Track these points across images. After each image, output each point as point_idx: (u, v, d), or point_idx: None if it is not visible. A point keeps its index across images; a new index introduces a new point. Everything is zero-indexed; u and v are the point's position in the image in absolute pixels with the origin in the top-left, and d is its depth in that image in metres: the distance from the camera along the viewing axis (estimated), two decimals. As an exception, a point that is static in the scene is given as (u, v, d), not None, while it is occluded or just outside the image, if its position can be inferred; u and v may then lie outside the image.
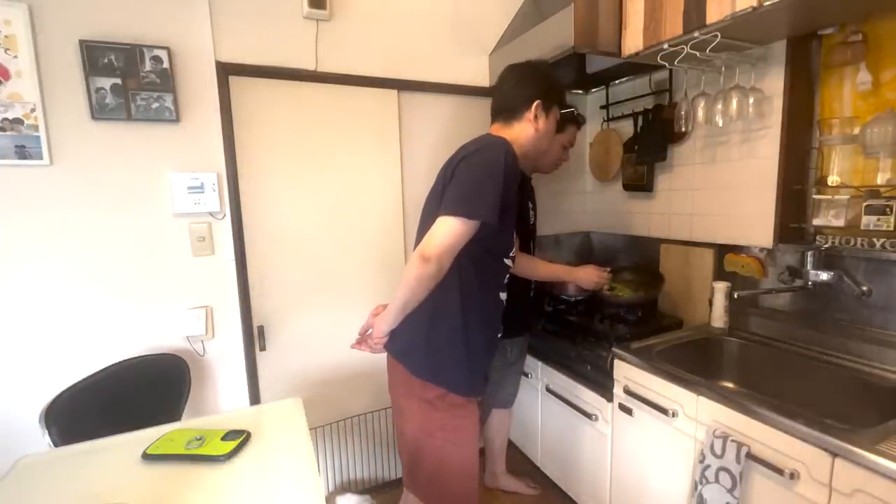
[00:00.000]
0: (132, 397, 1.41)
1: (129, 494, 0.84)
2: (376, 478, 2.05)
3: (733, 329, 1.65)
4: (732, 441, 1.14)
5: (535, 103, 1.21)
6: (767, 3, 1.14)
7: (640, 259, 2.11)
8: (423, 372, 1.18)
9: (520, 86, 1.24)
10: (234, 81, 1.64)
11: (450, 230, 1.05)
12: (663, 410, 1.35)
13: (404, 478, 1.36)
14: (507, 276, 1.26)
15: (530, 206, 1.72)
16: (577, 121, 1.67)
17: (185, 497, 0.84)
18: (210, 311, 1.66)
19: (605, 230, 2.35)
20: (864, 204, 1.31)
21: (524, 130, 1.24)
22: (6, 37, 1.32)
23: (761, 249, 1.59)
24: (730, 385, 1.57)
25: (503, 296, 1.26)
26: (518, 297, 1.66)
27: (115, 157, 1.48)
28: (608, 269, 1.68)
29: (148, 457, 0.95)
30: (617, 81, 2.14)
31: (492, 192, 1.05)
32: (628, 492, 1.54)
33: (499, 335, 1.29)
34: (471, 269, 1.14)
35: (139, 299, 1.56)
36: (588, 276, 1.65)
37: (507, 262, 1.23)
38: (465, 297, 1.15)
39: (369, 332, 1.27)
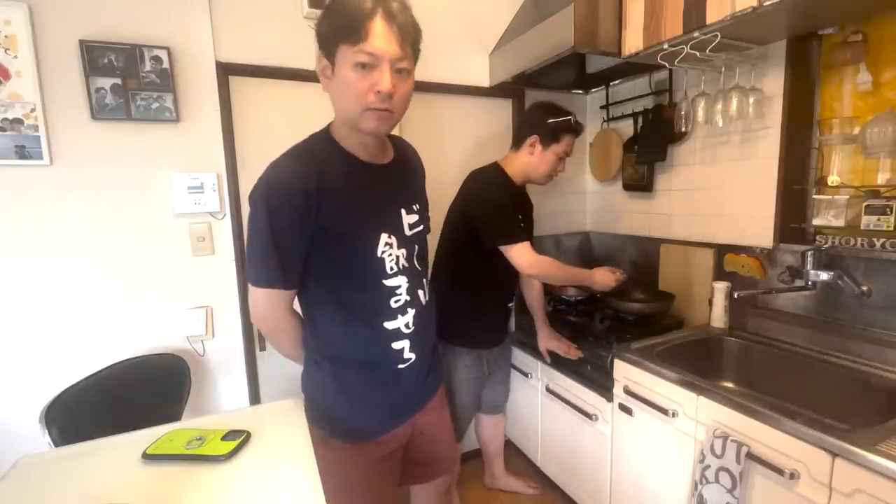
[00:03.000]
0: (132, 397, 1.41)
1: (129, 494, 0.84)
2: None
3: (733, 329, 1.65)
4: (732, 441, 1.13)
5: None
6: (767, 3, 1.14)
7: (640, 259, 2.11)
8: (307, 409, 1.05)
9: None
10: (234, 81, 1.64)
11: (253, 299, 0.96)
12: (663, 410, 1.35)
13: None
14: (399, 298, 1.01)
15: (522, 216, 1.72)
16: (574, 129, 1.60)
17: (185, 497, 0.84)
18: (210, 311, 1.66)
19: (605, 230, 2.35)
20: (864, 204, 1.31)
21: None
22: (6, 37, 1.32)
23: (761, 249, 1.59)
24: (730, 385, 1.57)
25: (393, 325, 1.00)
26: (495, 307, 1.75)
27: (115, 157, 1.48)
28: (621, 271, 1.63)
29: (148, 457, 0.95)
30: (617, 81, 2.14)
31: (264, 252, 0.89)
32: (628, 492, 1.54)
33: (402, 365, 1.04)
34: (321, 304, 0.98)
35: (139, 299, 1.56)
36: (604, 280, 1.58)
37: (390, 282, 0.99)
38: (321, 334, 1.01)
39: None
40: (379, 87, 0.84)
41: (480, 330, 1.70)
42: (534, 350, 1.98)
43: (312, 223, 0.89)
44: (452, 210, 1.68)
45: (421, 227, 1.08)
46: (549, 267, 1.54)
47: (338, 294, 0.97)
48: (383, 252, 0.97)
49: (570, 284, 1.84)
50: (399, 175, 1.05)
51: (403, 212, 1.02)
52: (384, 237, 0.97)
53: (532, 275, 1.57)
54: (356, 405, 1.04)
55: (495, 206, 1.53)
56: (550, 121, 1.56)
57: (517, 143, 1.63)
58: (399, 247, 1.00)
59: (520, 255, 1.51)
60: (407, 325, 1.03)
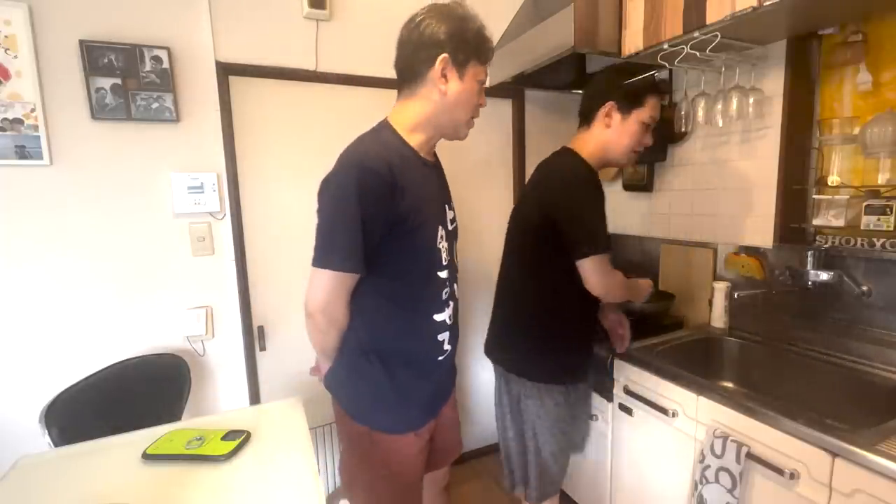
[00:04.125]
0: (132, 397, 1.41)
1: (129, 494, 0.84)
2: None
3: (733, 329, 1.64)
4: (732, 441, 1.13)
5: (441, 57, 0.94)
6: (767, 3, 1.14)
7: (640, 259, 2.11)
8: (349, 408, 1.07)
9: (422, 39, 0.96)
10: (234, 81, 1.64)
11: (320, 284, 0.95)
12: (663, 410, 1.35)
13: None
14: (448, 291, 1.07)
15: None
16: (658, 88, 1.32)
17: (185, 497, 0.84)
18: (210, 311, 1.66)
19: (605, 230, 2.34)
20: (864, 204, 1.31)
21: (429, 96, 0.98)
22: (6, 37, 1.32)
23: (761, 249, 1.59)
24: (730, 385, 1.56)
25: (440, 317, 1.06)
26: (588, 329, 1.40)
27: (115, 158, 1.48)
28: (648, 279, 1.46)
29: (148, 457, 0.95)
30: (617, 81, 2.13)
31: (346, 232, 0.90)
32: (628, 492, 1.54)
33: (441, 357, 1.09)
34: (376, 300, 1.00)
35: (139, 299, 1.56)
36: (646, 286, 1.44)
37: (442, 274, 1.04)
38: (375, 331, 1.02)
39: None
40: (482, 103, 1.02)
41: (573, 359, 1.38)
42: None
43: (395, 210, 0.92)
44: (522, 215, 1.39)
45: (456, 224, 1.14)
46: (617, 289, 1.28)
47: (397, 285, 1.00)
48: (439, 244, 1.03)
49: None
50: (440, 174, 1.13)
51: (447, 207, 1.09)
52: (440, 230, 1.03)
53: (599, 295, 1.24)
54: (403, 398, 1.05)
55: (580, 202, 1.23)
56: (627, 81, 1.28)
57: (587, 118, 1.32)
58: (446, 240, 1.05)
59: (596, 269, 1.20)
60: (449, 318, 1.08)
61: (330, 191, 0.94)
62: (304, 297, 0.97)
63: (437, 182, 1.08)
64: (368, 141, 0.98)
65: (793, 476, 1.02)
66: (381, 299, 1.00)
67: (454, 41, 0.93)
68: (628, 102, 1.26)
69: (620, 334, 1.47)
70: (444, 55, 0.93)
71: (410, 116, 1.00)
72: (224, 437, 0.99)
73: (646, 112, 1.27)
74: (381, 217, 0.91)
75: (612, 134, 1.28)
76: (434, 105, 0.98)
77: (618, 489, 1.59)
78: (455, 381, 1.24)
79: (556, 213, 1.23)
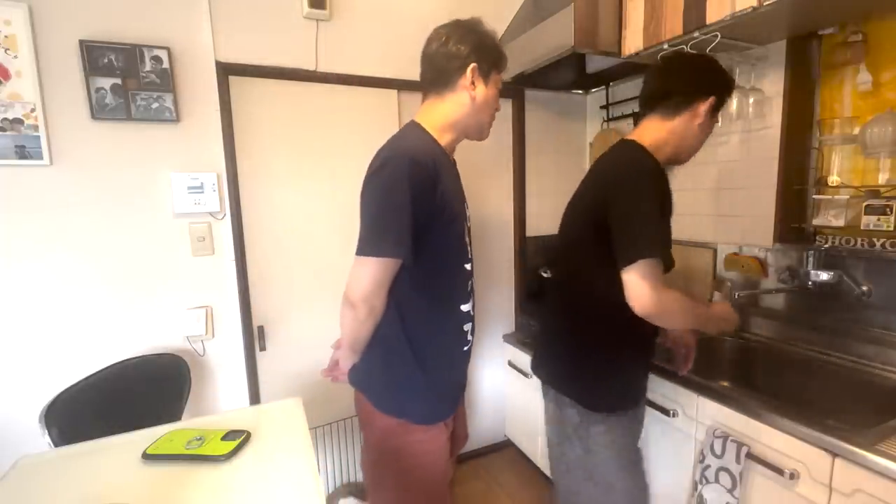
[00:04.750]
0: (132, 397, 1.41)
1: (129, 494, 0.84)
2: (376, 478, 2.05)
3: (733, 329, 1.64)
4: (732, 441, 1.14)
5: (471, 67, 1.04)
6: (767, 3, 1.14)
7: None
8: (380, 403, 1.10)
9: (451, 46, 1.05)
10: (234, 81, 1.64)
11: (365, 273, 0.99)
12: (663, 410, 1.35)
13: (370, 501, 1.26)
14: (471, 282, 1.13)
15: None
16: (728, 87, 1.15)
17: (185, 497, 0.84)
18: (210, 311, 1.66)
19: (605, 230, 2.34)
20: (864, 204, 1.31)
21: (459, 100, 1.07)
22: (6, 37, 1.32)
23: (761, 249, 1.59)
24: (730, 385, 1.56)
25: (466, 307, 1.11)
26: (650, 347, 1.23)
27: (115, 157, 1.48)
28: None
29: (148, 457, 0.95)
30: (617, 81, 2.14)
31: (397, 220, 0.95)
32: (628, 492, 1.54)
33: (465, 346, 1.14)
34: (411, 290, 1.04)
35: (139, 299, 1.56)
36: (727, 315, 1.22)
37: (468, 266, 1.11)
38: (408, 320, 1.05)
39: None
40: (499, 108, 1.14)
41: (640, 382, 1.23)
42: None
43: (435, 203, 0.99)
44: (574, 218, 1.23)
45: (470, 221, 1.20)
46: (672, 313, 1.04)
47: (432, 276, 1.05)
48: (466, 237, 1.11)
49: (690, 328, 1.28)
50: (458, 173, 1.19)
51: (465, 205, 1.17)
52: (466, 224, 1.12)
53: (644, 315, 1.00)
54: (434, 388, 1.10)
55: (632, 196, 1.03)
56: (723, 78, 1.13)
57: (667, 105, 1.11)
58: (468, 235, 1.14)
59: (638, 279, 0.98)
60: (472, 308, 1.15)
61: (381, 180, 0.98)
62: (346, 288, 1.02)
63: (459, 180, 1.18)
64: (412, 137, 1.05)
65: (793, 476, 1.02)
66: (416, 290, 1.04)
67: (480, 52, 1.04)
68: (720, 103, 1.12)
69: (684, 355, 1.31)
70: (474, 65, 1.03)
71: (440, 118, 1.08)
72: (224, 437, 0.99)
73: (716, 115, 1.14)
74: (425, 208, 0.97)
75: (690, 132, 1.11)
76: (464, 108, 1.07)
77: (618, 489, 1.59)
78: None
79: (607, 211, 1.05)
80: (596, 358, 1.15)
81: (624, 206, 1.03)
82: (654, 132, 1.13)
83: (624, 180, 1.06)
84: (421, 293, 1.05)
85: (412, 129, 1.07)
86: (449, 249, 1.06)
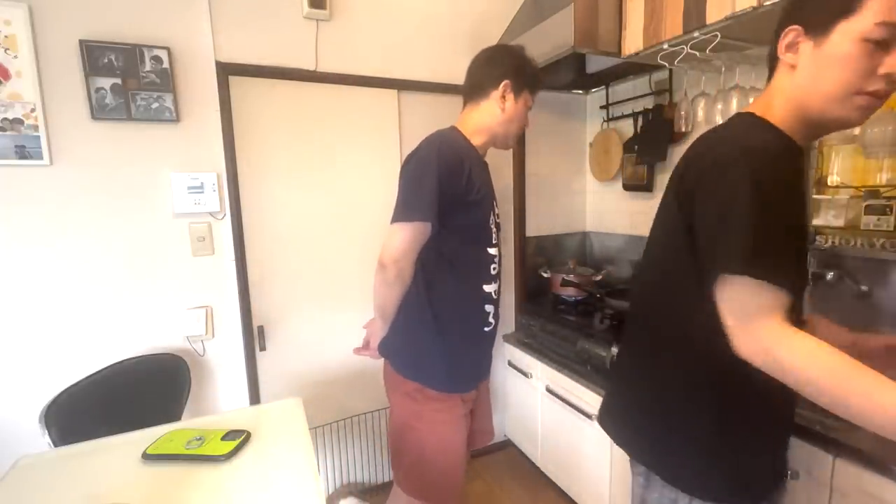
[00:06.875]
0: (132, 397, 1.41)
1: (129, 494, 0.84)
2: (377, 478, 2.05)
3: None
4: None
5: (504, 83, 1.21)
6: (767, 3, 1.14)
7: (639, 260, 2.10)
8: (402, 367, 1.23)
9: (489, 65, 1.25)
10: (234, 81, 1.64)
11: (399, 236, 1.11)
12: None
13: (392, 469, 1.37)
14: (496, 266, 1.25)
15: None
16: None
17: (185, 497, 0.84)
18: (210, 311, 1.66)
19: (604, 230, 2.35)
20: (864, 204, 1.31)
21: (490, 110, 1.23)
22: (6, 37, 1.32)
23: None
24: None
25: (488, 288, 1.23)
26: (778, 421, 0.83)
27: (115, 157, 1.48)
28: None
29: (148, 457, 0.95)
30: (617, 81, 2.14)
31: (427, 190, 1.08)
32: (629, 492, 1.54)
33: (487, 328, 1.26)
34: (438, 263, 1.17)
35: (139, 299, 1.56)
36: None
37: (492, 251, 1.23)
38: (433, 290, 1.18)
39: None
40: (527, 124, 1.30)
41: (760, 460, 0.80)
42: (534, 350, 1.98)
43: (462, 182, 1.12)
44: (665, 223, 0.92)
45: (500, 219, 1.31)
46: (804, 368, 0.64)
47: (458, 248, 1.17)
48: (491, 223, 1.23)
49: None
50: (488, 171, 1.30)
51: (495, 202, 1.27)
52: (492, 213, 1.24)
53: (752, 361, 0.67)
54: (452, 359, 1.21)
55: (735, 189, 0.67)
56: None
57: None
58: (494, 225, 1.25)
59: (740, 306, 0.68)
60: (495, 292, 1.25)
61: (417, 159, 1.14)
62: (380, 252, 1.13)
63: (488, 174, 1.28)
64: (446, 133, 1.21)
65: (793, 476, 1.02)
66: (443, 262, 1.17)
67: (515, 71, 1.21)
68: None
69: None
70: (507, 81, 1.19)
71: (474, 123, 1.24)
72: (224, 437, 0.99)
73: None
74: (452, 186, 1.10)
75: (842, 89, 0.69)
76: (495, 118, 1.23)
77: (618, 489, 1.59)
78: (490, 366, 1.38)
79: (696, 209, 0.74)
80: (687, 421, 0.80)
81: (720, 202, 0.70)
82: (774, 95, 0.78)
83: (721, 166, 0.71)
84: (447, 267, 1.17)
85: (447, 129, 1.23)
86: (475, 229, 1.19)
